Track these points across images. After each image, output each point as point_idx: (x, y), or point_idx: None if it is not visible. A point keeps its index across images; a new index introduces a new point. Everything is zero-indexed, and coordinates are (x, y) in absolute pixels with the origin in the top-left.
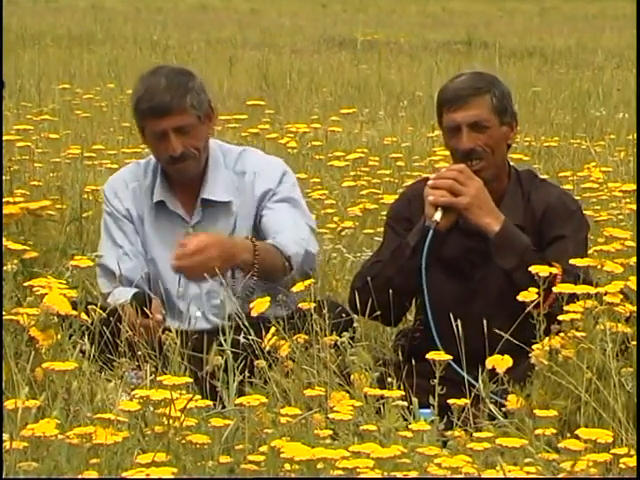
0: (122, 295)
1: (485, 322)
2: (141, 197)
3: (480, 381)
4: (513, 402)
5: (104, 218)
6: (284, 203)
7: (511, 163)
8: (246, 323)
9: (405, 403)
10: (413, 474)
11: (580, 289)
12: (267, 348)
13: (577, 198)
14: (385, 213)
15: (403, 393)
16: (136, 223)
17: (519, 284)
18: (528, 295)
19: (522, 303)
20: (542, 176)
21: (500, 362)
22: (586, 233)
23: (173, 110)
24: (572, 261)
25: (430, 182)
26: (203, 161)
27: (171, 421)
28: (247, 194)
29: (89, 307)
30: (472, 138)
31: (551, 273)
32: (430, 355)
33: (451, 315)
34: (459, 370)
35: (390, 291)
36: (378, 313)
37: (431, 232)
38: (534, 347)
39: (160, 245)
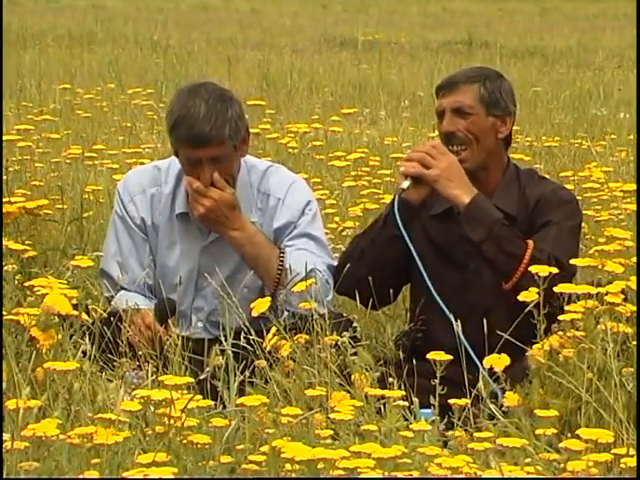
0: (130, 298)
1: (483, 313)
2: (159, 205)
3: (480, 380)
4: (511, 399)
5: (114, 219)
6: (303, 238)
7: (513, 161)
8: (247, 324)
9: (406, 403)
10: (414, 474)
11: (581, 289)
12: (268, 348)
13: (578, 198)
14: None
15: (404, 393)
16: (149, 232)
17: (488, 256)
18: (528, 295)
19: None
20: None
21: (498, 361)
22: (577, 222)
23: (211, 142)
24: (573, 261)
25: (405, 156)
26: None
27: (172, 421)
28: (268, 218)
29: (90, 307)
30: (453, 122)
31: (551, 273)
32: (431, 355)
33: (449, 306)
34: (465, 344)
35: (364, 267)
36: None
37: (397, 198)
38: (533, 347)
39: (173, 255)
